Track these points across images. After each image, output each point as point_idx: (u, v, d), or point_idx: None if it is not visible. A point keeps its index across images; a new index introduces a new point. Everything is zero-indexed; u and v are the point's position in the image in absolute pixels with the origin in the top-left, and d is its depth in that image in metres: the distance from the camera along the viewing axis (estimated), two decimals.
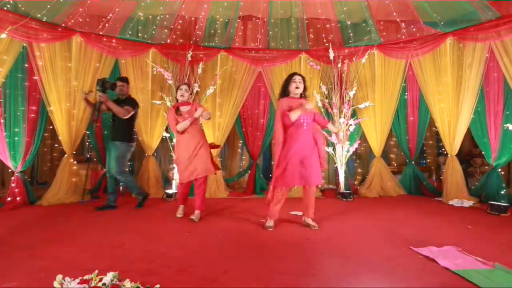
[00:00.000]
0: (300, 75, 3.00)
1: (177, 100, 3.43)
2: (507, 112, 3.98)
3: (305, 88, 3.01)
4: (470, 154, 5.17)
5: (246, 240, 2.65)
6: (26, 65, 3.90)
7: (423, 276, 1.93)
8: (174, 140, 4.69)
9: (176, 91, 3.41)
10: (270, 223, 3.01)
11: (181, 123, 3.22)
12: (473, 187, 4.55)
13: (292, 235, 2.82)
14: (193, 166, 3.22)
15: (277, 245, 2.52)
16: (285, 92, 2.99)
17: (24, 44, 3.85)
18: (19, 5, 3.71)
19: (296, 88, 2.92)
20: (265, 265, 2.10)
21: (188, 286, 1.77)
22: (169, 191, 4.49)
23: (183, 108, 3.34)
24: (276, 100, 4.96)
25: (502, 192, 3.95)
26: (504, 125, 3.84)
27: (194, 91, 4.68)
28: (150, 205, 3.98)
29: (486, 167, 4.64)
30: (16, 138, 3.81)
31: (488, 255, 2.22)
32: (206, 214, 3.40)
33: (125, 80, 3.90)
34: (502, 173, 4.15)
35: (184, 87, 3.36)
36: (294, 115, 2.80)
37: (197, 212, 3.27)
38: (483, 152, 4.27)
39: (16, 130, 3.81)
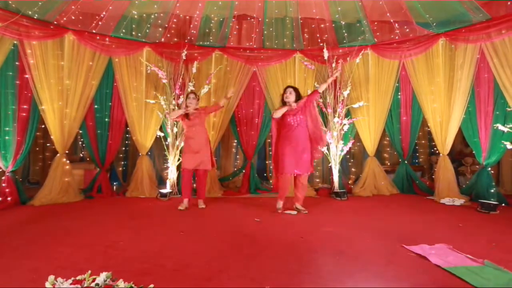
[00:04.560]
0: (292, 87, 3.67)
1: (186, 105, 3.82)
2: (497, 112, 4.04)
3: (298, 97, 3.60)
4: (461, 153, 5.25)
5: (241, 239, 2.66)
6: (17, 63, 3.84)
7: (415, 274, 1.96)
8: (169, 140, 4.69)
9: (185, 99, 3.87)
10: (279, 204, 3.63)
11: (174, 111, 3.91)
12: (464, 186, 4.62)
13: (286, 234, 2.83)
14: (199, 158, 3.76)
15: (271, 244, 2.54)
16: (283, 103, 3.66)
17: (15, 42, 3.79)
18: (10, 2, 3.64)
19: (286, 98, 3.59)
20: (259, 264, 2.11)
21: (182, 286, 1.77)
22: (163, 191, 4.47)
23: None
24: (270, 99, 5.00)
25: (492, 191, 4.02)
26: (494, 125, 3.90)
27: (189, 90, 4.67)
28: (144, 205, 3.96)
29: (477, 166, 4.72)
30: (6, 137, 3.75)
31: (478, 252, 2.26)
32: (201, 213, 3.40)
33: None
34: (492, 172, 4.23)
35: (192, 95, 3.84)
36: (277, 113, 3.60)
37: (200, 201, 3.85)
38: (473, 152, 4.34)
39: (7, 129, 3.75)
